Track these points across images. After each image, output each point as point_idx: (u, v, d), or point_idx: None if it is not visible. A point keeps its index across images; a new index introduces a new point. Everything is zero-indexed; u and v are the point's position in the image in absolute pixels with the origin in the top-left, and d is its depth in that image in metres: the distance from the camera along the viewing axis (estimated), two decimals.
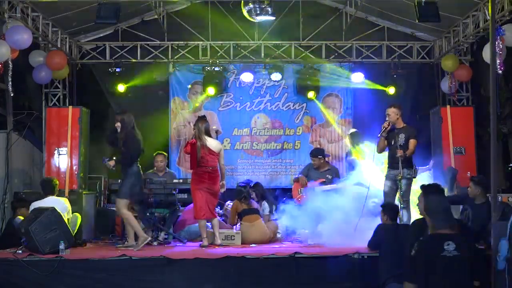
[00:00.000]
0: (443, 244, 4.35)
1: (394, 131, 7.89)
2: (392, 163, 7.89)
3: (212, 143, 7.87)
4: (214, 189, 7.86)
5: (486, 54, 8.21)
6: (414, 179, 7.83)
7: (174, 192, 8.66)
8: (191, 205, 8.88)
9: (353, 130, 10.32)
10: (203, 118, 8.03)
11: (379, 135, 7.99)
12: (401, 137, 7.83)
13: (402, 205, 7.52)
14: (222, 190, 8.10)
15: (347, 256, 6.59)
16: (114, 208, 9.40)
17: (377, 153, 8.19)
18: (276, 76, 10.98)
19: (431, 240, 4.49)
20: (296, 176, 9.92)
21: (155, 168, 9.43)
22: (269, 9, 9.54)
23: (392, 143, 7.90)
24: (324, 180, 9.07)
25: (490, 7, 6.42)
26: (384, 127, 7.93)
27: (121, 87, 10.80)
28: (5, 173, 9.20)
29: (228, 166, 11.06)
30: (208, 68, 10.89)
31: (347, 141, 10.48)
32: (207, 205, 7.76)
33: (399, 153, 7.66)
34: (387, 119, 7.97)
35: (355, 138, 9.75)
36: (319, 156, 9.52)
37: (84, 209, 8.97)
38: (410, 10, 8.95)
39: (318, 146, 10.80)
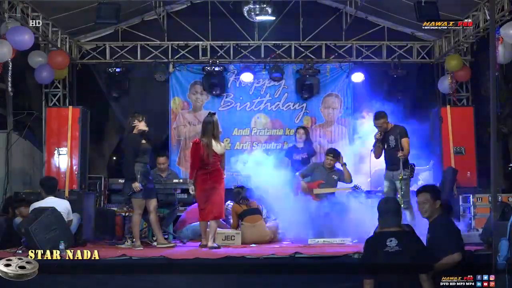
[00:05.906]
0: (386, 240, 4.78)
1: (384, 135, 8.00)
2: (388, 165, 8.01)
3: (216, 145, 7.52)
4: (218, 188, 7.52)
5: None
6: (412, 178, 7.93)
7: (174, 191, 8.64)
8: (192, 205, 8.89)
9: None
10: (213, 114, 7.79)
11: (373, 147, 8.11)
12: (391, 139, 7.93)
13: (403, 206, 7.51)
14: None
15: (347, 256, 6.58)
16: (114, 208, 9.44)
17: (375, 159, 8.31)
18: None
19: (376, 237, 4.96)
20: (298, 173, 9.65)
21: (156, 169, 9.36)
22: (269, 9, 9.57)
23: (385, 146, 8.01)
24: (322, 181, 8.91)
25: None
26: (377, 138, 8.04)
27: (121, 87, 10.78)
28: (5, 173, 9.21)
29: (228, 166, 11.04)
30: (208, 68, 10.88)
31: None
32: (212, 206, 7.47)
33: (400, 153, 7.74)
34: (378, 130, 8.05)
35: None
36: (331, 155, 8.96)
37: (84, 209, 8.97)
38: (410, 10, 8.96)
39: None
